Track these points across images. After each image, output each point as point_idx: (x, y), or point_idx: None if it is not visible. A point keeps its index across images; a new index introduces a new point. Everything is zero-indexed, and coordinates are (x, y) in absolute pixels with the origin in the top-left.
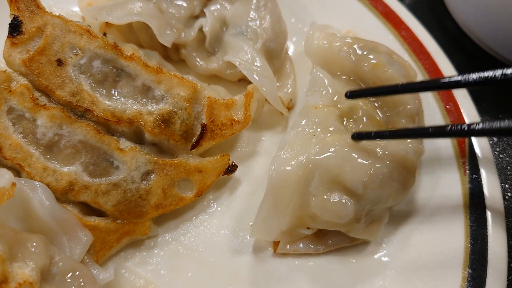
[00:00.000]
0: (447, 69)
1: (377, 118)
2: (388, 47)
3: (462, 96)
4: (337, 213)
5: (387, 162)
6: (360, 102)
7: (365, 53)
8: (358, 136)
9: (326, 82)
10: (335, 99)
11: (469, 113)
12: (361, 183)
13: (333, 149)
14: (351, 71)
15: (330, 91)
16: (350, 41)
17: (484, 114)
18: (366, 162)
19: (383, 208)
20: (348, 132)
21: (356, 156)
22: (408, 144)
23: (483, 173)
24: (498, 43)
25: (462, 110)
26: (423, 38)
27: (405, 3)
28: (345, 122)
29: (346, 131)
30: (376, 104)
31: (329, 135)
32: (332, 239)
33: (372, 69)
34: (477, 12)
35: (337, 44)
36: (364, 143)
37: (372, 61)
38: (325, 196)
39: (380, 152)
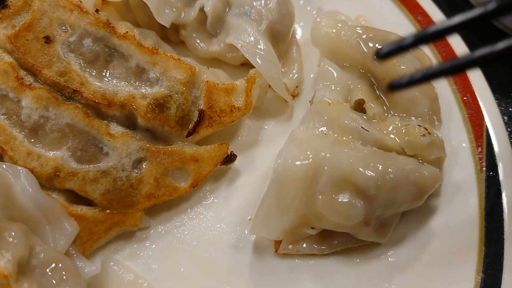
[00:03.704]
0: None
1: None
2: (400, 36)
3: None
4: (345, 215)
5: (405, 165)
6: (369, 102)
7: (375, 45)
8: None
9: (336, 76)
10: (345, 94)
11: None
12: (374, 183)
13: (346, 147)
14: (361, 64)
15: (340, 86)
16: (359, 31)
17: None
18: (382, 161)
19: (396, 213)
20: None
21: (371, 155)
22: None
23: (500, 170)
24: None
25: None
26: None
27: None
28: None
29: (359, 133)
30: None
31: (342, 137)
32: (338, 239)
33: (382, 64)
34: None
35: (345, 34)
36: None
37: None
38: (333, 195)
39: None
